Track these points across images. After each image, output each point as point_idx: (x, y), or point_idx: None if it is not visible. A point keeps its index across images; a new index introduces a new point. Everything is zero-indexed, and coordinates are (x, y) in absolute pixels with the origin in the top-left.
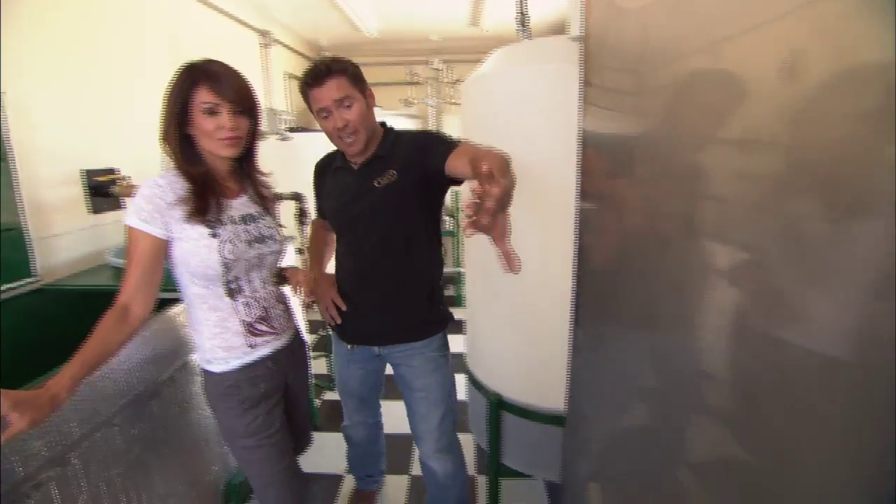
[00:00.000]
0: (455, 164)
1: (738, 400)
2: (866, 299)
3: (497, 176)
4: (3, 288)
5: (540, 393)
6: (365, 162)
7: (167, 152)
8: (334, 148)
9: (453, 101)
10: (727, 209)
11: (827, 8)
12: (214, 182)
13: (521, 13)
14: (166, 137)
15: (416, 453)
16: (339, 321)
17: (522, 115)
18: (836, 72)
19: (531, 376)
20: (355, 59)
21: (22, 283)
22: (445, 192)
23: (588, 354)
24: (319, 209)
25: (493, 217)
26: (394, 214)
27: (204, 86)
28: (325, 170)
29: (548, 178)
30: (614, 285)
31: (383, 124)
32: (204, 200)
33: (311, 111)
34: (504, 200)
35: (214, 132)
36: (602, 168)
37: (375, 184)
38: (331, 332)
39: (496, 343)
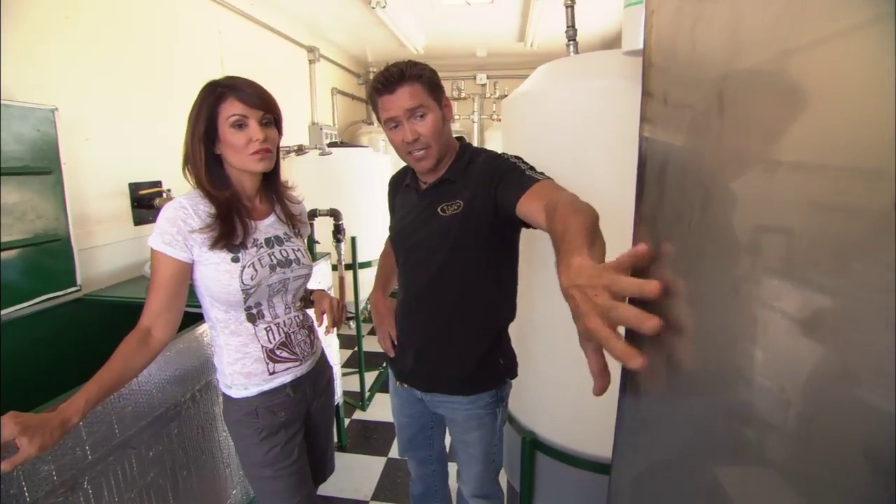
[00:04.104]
0: (527, 209)
1: (814, 460)
2: None
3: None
4: (46, 296)
5: (578, 436)
6: (432, 184)
7: (191, 175)
8: (389, 161)
9: (497, 116)
10: (800, 244)
11: None
12: (240, 204)
13: (570, 26)
14: (192, 159)
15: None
16: (392, 354)
17: (569, 135)
18: None
19: (570, 417)
20: None
21: (64, 292)
22: (520, 230)
23: (639, 403)
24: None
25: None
26: (452, 250)
27: (229, 98)
28: (398, 186)
29: (597, 203)
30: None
31: (460, 139)
32: (229, 225)
33: (379, 121)
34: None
35: (245, 147)
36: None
37: (440, 211)
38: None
39: (534, 378)
